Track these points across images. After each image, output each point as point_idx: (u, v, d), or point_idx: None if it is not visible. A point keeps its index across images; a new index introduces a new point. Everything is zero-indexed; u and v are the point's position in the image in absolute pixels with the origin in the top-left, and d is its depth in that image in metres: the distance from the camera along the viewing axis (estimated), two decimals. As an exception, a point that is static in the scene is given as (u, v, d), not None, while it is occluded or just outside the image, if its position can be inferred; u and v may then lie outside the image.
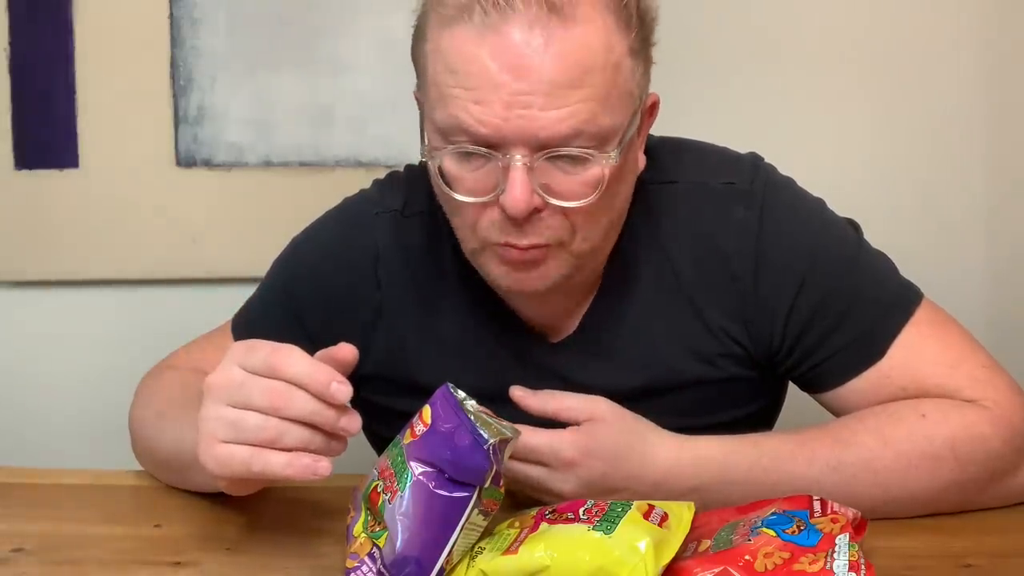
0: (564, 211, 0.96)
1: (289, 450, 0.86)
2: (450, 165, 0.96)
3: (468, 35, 0.92)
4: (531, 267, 0.98)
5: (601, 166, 0.94)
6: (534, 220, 0.95)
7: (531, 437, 0.97)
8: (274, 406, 0.86)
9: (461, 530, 0.83)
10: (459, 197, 0.96)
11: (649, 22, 0.99)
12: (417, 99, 1.02)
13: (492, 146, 0.93)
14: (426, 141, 0.99)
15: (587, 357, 1.08)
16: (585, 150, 0.93)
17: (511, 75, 0.91)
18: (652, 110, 1.04)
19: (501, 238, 0.97)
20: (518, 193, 0.92)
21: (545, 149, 0.92)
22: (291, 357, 0.87)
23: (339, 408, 0.87)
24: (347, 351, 0.90)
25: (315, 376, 0.86)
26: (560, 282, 1.01)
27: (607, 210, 0.99)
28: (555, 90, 0.91)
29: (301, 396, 0.86)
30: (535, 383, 1.06)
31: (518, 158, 0.92)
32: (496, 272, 1.00)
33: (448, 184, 0.96)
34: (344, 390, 0.86)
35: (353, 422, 0.88)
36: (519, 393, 1.03)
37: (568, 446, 0.98)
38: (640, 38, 0.97)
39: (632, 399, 1.04)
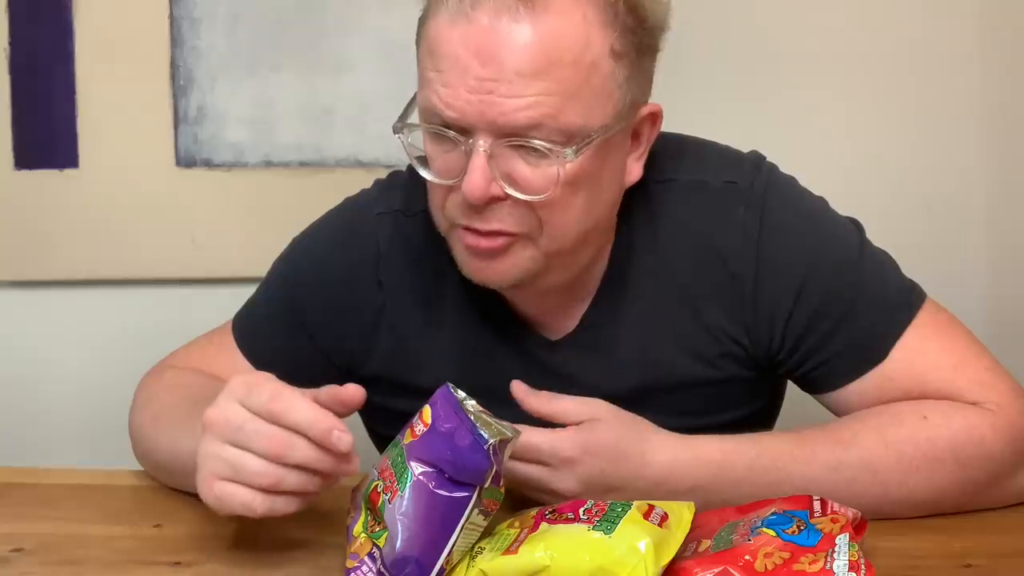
0: (528, 204, 0.96)
1: (288, 493, 0.87)
2: (426, 145, 0.98)
3: (445, 20, 0.94)
4: (492, 257, 0.99)
5: (558, 163, 0.94)
6: (495, 208, 0.96)
7: (531, 436, 0.97)
8: (275, 454, 0.86)
9: (461, 530, 0.83)
10: (428, 176, 0.98)
11: (649, 27, 0.98)
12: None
13: (459, 130, 0.94)
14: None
15: (587, 355, 1.08)
16: (543, 143, 0.93)
17: (477, 60, 0.92)
18: (652, 121, 1.03)
19: (463, 220, 0.98)
20: (476, 179, 0.93)
21: (506, 137, 0.93)
22: (293, 404, 0.86)
23: (340, 455, 0.87)
24: (352, 392, 0.90)
25: (317, 425, 0.86)
26: (523, 280, 1.00)
27: (577, 211, 0.98)
28: (518, 79, 0.92)
29: (302, 445, 0.86)
30: (535, 381, 1.06)
31: (480, 143, 0.93)
32: (460, 258, 1.02)
33: (425, 166, 0.99)
34: (346, 439, 0.86)
35: (352, 464, 0.88)
36: (521, 390, 1.02)
37: (568, 444, 0.98)
38: (629, 41, 0.96)
39: (632, 398, 1.04)
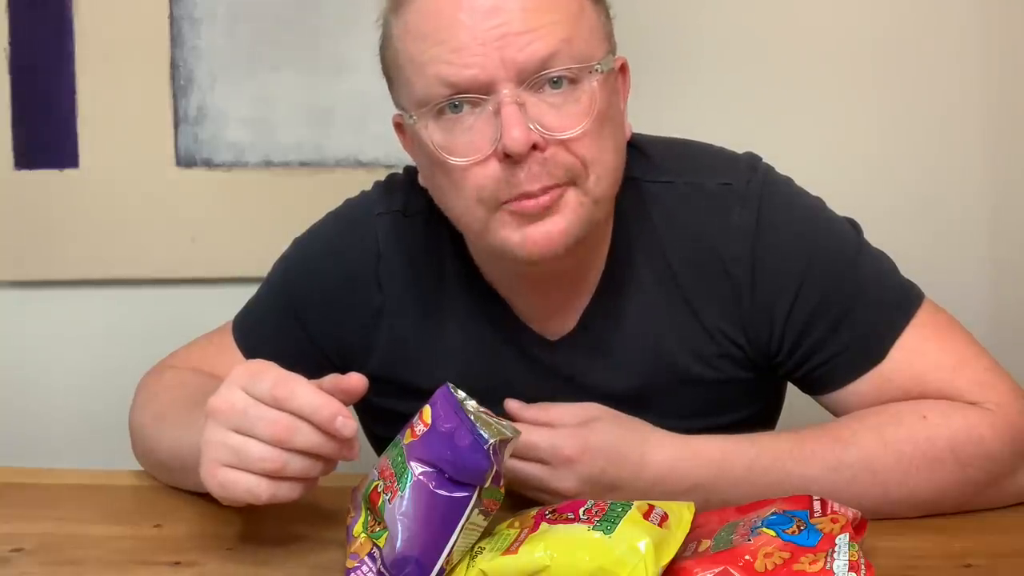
0: (567, 146, 0.96)
1: (291, 478, 0.88)
2: (439, 137, 0.97)
3: (428, 0, 0.96)
4: (547, 214, 0.97)
5: (588, 82, 0.96)
6: (540, 161, 0.95)
7: (531, 434, 0.97)
8: (279, 439, 0.86)
9: (461, 530, 0.83)
10: (454, 160, 0.97)
11: None
12: (397, 124, 1.05)
13: (478, 89, 0.95)
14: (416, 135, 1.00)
15: (587, 355, 1.09)
16: (570, 68, 0.95)
17: (480, 16, 0.94)
18: (623, 73, 1.05)
19: (512, 192, 0.96)
20: (516, 131, 0.93)
21: (530, 77, 0.94)
22: (297, 389, 0.87)
23: (343, 441, 0.87)
24: (356, 381, 0.90)
25: (321, 411, 0.86)
26: (579, 235, 0.98)
27: (611, 147, 0.99)
28: (526, 15, 0.94)
29: (306, 430, 0.86)
30: (536, 382, 1.06)
31: (506, 93, 0.94)
32: (511, 238, 0.98)
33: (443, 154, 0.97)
34: (350, 424, 0.86)
35: (354, 450, 0.88)
36: (514, 406, 1.03)
37: (568, 443, 0.98)
38: None
39: (632, 398, 1.05)
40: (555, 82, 0.95)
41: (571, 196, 0.98)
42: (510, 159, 0.94)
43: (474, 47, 0.94)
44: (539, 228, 0.97)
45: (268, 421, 0.86)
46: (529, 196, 0.96)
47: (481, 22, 0.94)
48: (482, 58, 0.94)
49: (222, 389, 0.89)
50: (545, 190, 0.96)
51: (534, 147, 0.95)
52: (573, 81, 0.96)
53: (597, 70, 0.97)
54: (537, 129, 0.95)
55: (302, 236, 1.18)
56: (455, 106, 0.96)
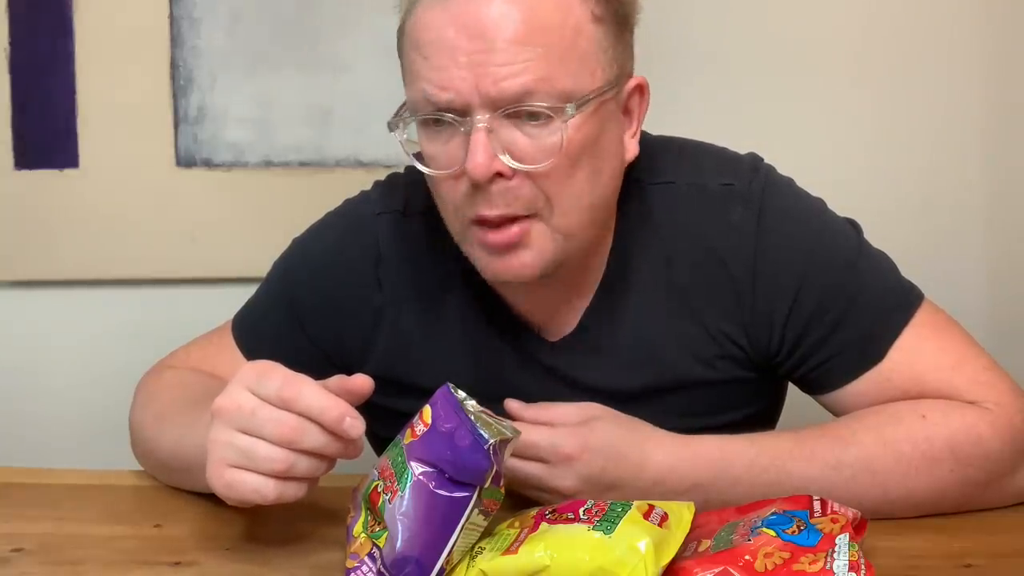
0: (533, 178, 0.96)
1: (297, 478, 0.88)
2: (424, 143, 0.98)
3: (427, 8, 0.96)
4: (512, 250, 0.98)
5: (559, 126, 0.95)
6: (502, 188, 0.96)
7: (531, 433, 0.97)
8: (286, 439, 0.86)
9: (461, 530, 0.83)
10: (428, 171, 0.98)
11: (626, 1, 1.01)
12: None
13: (455, 111, 0.95)
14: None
15: (587, 356, 1.09)
16: (543, 104, 0.94)
17: (464, 37, 0.93)
18: (640, 93, 1.04)
19: (472, 211, 0.97)
20: (479, 157, 0.94)
21: (503, 107, 0.94)
22: (304, 390, 0.87)
23: (349, 441, 0.87)
24: (362, 382, 0.91)
25: (329, 412, 0.86)
26: (548, 268, 1.00)
27: (580, 184, 0.99)
28: (508, 47, 0.93)
29: (313, 431, 0.87)
30: (536, 382, 1.06)
31: (478, 119, 0.94)
32: (481, 259, 1.01)
33: (425, 164, 0.99)
34: (357, 425, 0.87)
35: (359, 450, 0.89)
36: (514, 406, 1.03)
37: (568, 441, 0.98)
38: (608, 8, 0.98)
39: (633, 399, 1.05)
40: (532, 115, 0.95)
41: (535, 234, 0.98)
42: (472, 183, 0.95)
43: (452, 70, 0.94)
44: (505, 261, 0.99)
45: (276, 422, 0.86)
46: (486, 222, 0.97)
47: (465, 43, 0.94)
48: (459, 82, 0.94)
49: (229, 389, 0.89)
50: (502, 219, 0.97)
51: (499, 175, 0.95)
52: (549, 117, 0.95)
53: (569, 111, 0.95)
54: (503, 158, 0.95)
55: (302, 236, 1.18)
56: (437, 121, 0.97)
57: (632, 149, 1.04)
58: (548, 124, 0.95)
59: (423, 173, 1.03)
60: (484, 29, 0.93)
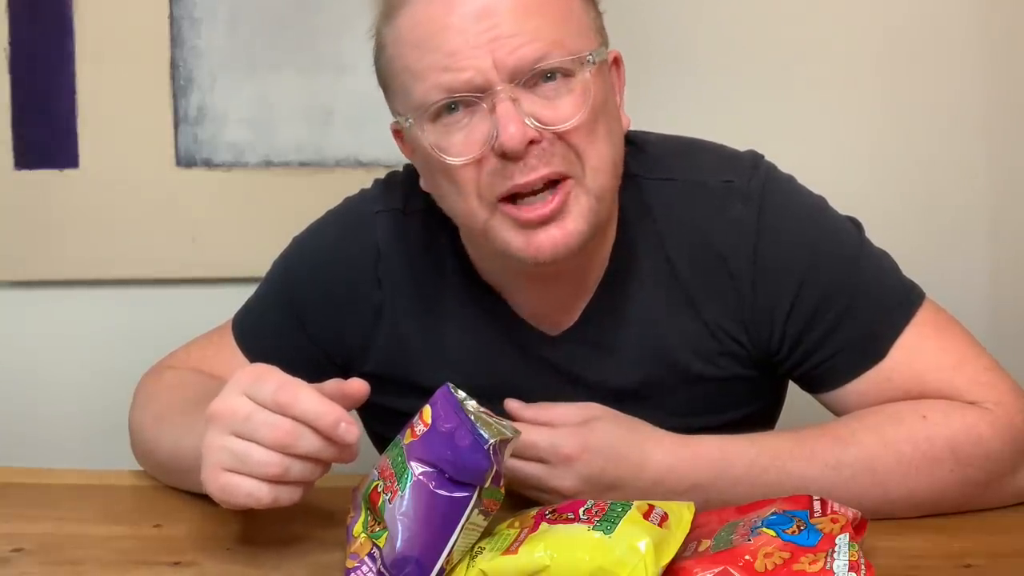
0: (563, 138, 0.97)
1: (292, 483, 0.88)
2: (435, 139, 0.98)
3: (419, 8, 0.97)
4: (550, 222, 0.98)
5: (582, 74, 0.97)
6: (537, 152, 0.96)
7: (531, 433, 0.97)
8: (281, 444, 0.86)
9: (461, 530, 0.83)
10: (450, 160, 0.97)
11: None
12: (396, 132, 1.05)
13: (475, 91, 0.96)
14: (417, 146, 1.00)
15: (588, 350, 1.09)
16: (566, 59, 0.96)
17: (471, 20, 0.95)
18: (617, 66, 1.06)
19: (504, 186, 0.97)
20: (512, 127, 0.94)
21: (522, 76, 0.95)
22: (300, 395, 0.87)
23: (344, 444, 0.87)
24: (357, 386, 0.91)
25: (324, 417, 0.86)
26: (586, 236, 0.99)
27: (604, 140, 0.99)
28: (514, 19, 0.95)
29: (308, 435, 0.87)
30: (537, 378, 1.06)
31: (499, 90, 0.95)
32: (515, 241, 0.99)
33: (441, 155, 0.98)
34: (353, 431, 0.86)
35: (354, 454, 0.89)
36: (514, 406, 1.03)
37: (568, 441, 0.99)
38: None
39: (633, 394, 1.05)
40: (548, 76, 0.96)
41: (572, 201, 0.98)
42: (507, 156, 0.95)
43: (467, 51, 0.95)
44: (546, 233, 0.98)
45: (271, 426, 0.86)
46: (520, 196, 0.97)
47: (472, 26, 0.95)
48: (476, 60, 0.95)
49: (224, 393, 0.89)
50: (545, 182, 0.97)
51: (531, 142, 0.95)
52: (567, 74, 0.97)
53: (590, 61, 0.98)
54: (533, 123, 0.95)
55: (302, 234, 1.18)
56: (451, 108, 0.97)
57: (625, 120, 1.06)
58: (567, 82, 0.97)
59: (420, 175, 1.03)
60: (486, 10, 0.95)
